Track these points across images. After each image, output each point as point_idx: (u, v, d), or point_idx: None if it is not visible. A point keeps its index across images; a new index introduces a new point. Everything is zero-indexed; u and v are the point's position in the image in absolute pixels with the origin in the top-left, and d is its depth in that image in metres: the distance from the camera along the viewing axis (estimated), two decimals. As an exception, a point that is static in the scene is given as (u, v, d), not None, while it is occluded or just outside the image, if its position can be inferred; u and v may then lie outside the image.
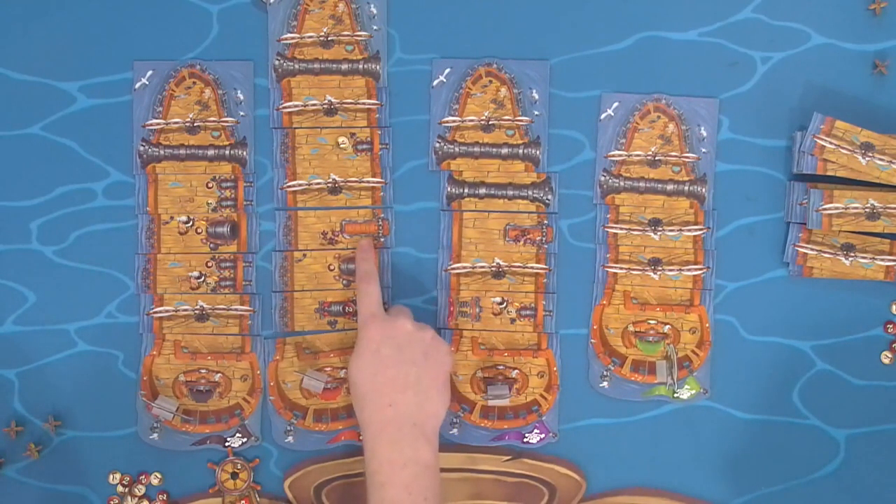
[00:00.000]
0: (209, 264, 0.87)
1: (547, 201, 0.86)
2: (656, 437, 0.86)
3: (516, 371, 0.86)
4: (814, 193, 0.82)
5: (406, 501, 0.74)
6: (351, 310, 0.87)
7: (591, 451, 0.86)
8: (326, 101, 0.86)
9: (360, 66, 0.86)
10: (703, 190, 0.86)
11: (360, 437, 0.79)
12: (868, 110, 0.84)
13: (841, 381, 0.86)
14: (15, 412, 0.87)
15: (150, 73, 0.86)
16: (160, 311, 0.87)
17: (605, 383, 0.86)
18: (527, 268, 0.86)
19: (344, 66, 0.86)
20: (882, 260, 0.83)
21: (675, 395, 0.86)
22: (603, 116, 0.86)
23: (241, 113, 0.86)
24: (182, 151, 0.86)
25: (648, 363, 0.86)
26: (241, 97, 0.86)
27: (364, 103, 0.86)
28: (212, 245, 0.87)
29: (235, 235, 0.87)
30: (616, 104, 0.86)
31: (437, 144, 0.86)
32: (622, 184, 0.86)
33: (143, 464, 0.87)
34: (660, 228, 0.86)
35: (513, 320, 0.86)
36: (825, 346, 0.86)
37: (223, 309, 0.87)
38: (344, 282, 0.87)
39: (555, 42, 0.86)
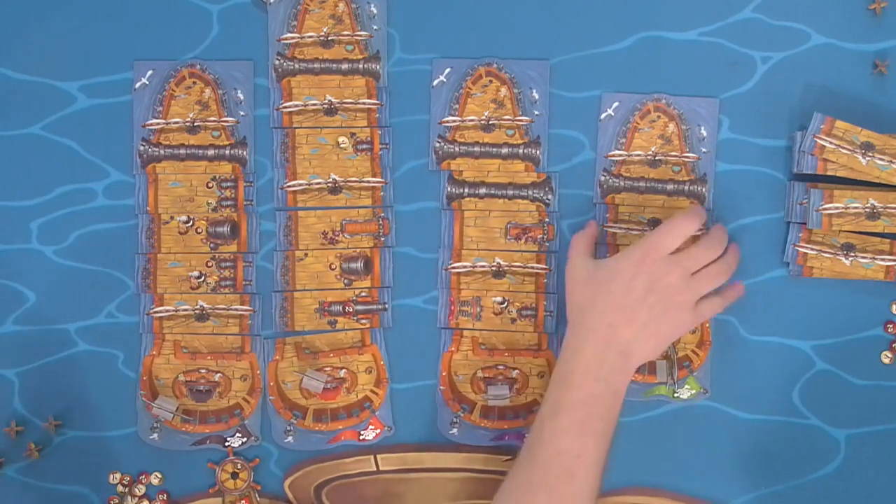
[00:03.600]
0: (209, 264, 0.87)
1: (547, 201, 0.86)
2: (656, 437, 0.86)
3: (516, 371, 0.86)
4: (814, 193, 0.82)
5: (586, 404, 0.75)
6: (351, 310, 0.87)
7: (592, 451, 0.86)
8: (326, 101, 0.86)
9: (360, 66, 0.86)
10: (704, 190, 0.86)
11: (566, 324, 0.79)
12: (868, 110, 0.84)
13: (841, 381, 0.86)
14: (15, 412, 0.87)
15: (150, 72, 0.86)
16: (160, 311, 0.87)
17: (605, 383, 0.86)
18: (527, 268, 0.86)
19: (344, 66, 0.86)
20: (882, 260, 0.83)
21: (675, 395, 0.86)
22: (603, 116, 0.86)
23: (241, 113, 0.86)
24: (182, 151, 0.86)
25: (648, 363, 0.86)
26: (241, 97, 0.86)
27: (364, 103, 0.86)
28: (212, 245, 0.87)
29: (235, 235, 0.87)
30: (616, 104, 0.86)
31: (438, 144, 0.86)
32: (622, 184, 0.86)
33: (143, 464, 0.87)
34: (660, 228, 0.86)
35: (513, 320, 0.86)
36: (825, 346, 0.85)
37: (223, 309, 0.87)
38: (345, 281, 0.87)
39: (555, 42, 0.86)
